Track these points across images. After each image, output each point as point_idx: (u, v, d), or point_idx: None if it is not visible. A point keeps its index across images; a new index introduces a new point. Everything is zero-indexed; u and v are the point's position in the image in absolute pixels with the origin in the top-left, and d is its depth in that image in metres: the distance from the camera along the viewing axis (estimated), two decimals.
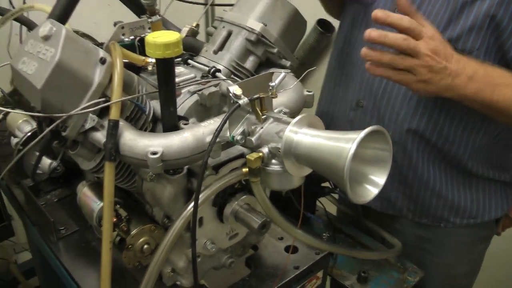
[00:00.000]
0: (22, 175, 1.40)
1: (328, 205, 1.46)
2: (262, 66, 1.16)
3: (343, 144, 0.73)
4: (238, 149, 0.99)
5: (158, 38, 0.81)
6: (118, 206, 0.99)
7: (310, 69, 1.00)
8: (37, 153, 1.31)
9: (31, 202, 1.36)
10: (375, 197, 1.34)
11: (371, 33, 0.98)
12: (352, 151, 0.71)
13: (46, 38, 0.87)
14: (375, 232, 1.41)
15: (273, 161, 0.84)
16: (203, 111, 1.01)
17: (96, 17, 1.97)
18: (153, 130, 0.98)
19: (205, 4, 1.28)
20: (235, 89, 0.83)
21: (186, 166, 0.93)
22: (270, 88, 0.87)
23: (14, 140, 1.37)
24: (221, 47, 1.13)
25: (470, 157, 1.26)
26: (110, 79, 0.89)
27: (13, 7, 2.14)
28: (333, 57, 1.44)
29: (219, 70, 1.05)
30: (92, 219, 1.01)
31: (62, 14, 1.15)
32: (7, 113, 1.46)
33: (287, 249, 1.22)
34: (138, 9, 1.23)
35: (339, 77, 1.40)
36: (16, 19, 1.65)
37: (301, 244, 1.22)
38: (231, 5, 1.26)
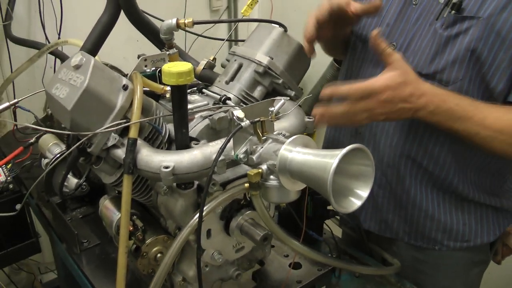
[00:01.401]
0: (51, 193, 1.53)
1: (334, 228, 1.54)
2: (268, 95, 1.28)
3: (327, 159, 0.83)
4: (244, 169, 1.10)
5: (172, 68, 0.94)
6: (135, 217, 1.10)
7: (307, 96, 1.11)
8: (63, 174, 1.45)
9: (58, 218, 1.48)
10: (373, 220, 1.44)
11: (316, 112, 1.14)
12: (334, 165, 0.81)
13: (77, 67, 1.00)
14: (376, 253, 1.49)
15: (271, 176, 0.95)
16: (213, 134, 1.12)
17: (125, 51, 2.12)
18: (168, 150, 1.10)
19: (223, 39, 1.42)
20: (238, 113, 0.94)
21: (196, 181, 1.04)
22: (270, 112, 0.98)
23: (45, 161, 1.51)
24: (232, 78, 1.26)
25: (460, 181, 1.32)
26: (131, 104, 1.02)
27: (49, 42, 2.32)
28: None
29: (229, 98, 1.17)
30: (111, 229, 1.12)
31: (92, 48, 1.30)
32: (40, 136, 1.61)
33: (291, 265, 1.31)
34: (160, 44, 1.37)
35: None
36: (51, 53, 1.82)
37: (304, 261, 1.31)
38: (242, 40, 1.40)
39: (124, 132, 1.02)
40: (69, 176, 1.46)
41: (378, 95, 1.10)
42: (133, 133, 0.97)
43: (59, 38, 2.36)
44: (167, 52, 1.14)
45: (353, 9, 1.21)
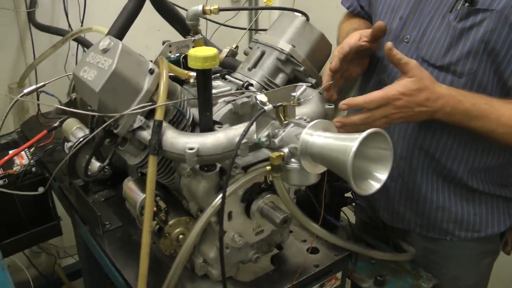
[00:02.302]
0: (74, 176, 1.57)
1: (351, 216, 1.57)
2: (290, 82, 1.30)
3: (347, 142, 0.86)
4: (264, 153, 1.12)
5: (198, 52, 0.97)
6: (158, 198, 1.13)
7: (330, 82, 1.13)
8: (88, 156, 1.48)
9: (81, 200, 1.52)
10: (386, 211, 1.47)
11: (337, 124, 1.18)
12: (354, 148, 0.84)
13: (105, 50, 1.04)
14: (392, 241, 1.51)
15: (292, 159, 0.97)
16: (236, 118, 1.15)
17: (147, 41, 2.15)
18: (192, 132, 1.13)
19: (245, 29, 1.44)
20: (262, 97, 0.97)
21: (218, 164, 1.07)
22: (292, 97, 1.01)
23: (68, 145, 1.54)
24: (255, 65, 1.28)
25: (471, 173, 1.35)
26: (157, 87, 1.04)
27: (71, 29, 2.36)
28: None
29: (251, 84, 1.20)
30: (135, 209, 1.15)
31: (118, 34, 1.33)
32: (63, 120, 1.65)
33: (309, 250, 1.33)
34: (184, 31, 1.40)
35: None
36: (75, 39, 1.85)
37: (322, 246, 1.33)
38: (264, 29, 1.42)
39: (149, 114, 1.05)
40: (92, 159, 1.49)
41: (394, 101, 1.14)
42: (159, 115, 1.00)
43: (82, 25, 2.39)
44: (193, 38, 1.16)
45: (365, 38, 1.26)
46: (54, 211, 1.68)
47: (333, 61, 1.24)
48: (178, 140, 1.00)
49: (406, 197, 1.44)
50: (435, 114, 1.17)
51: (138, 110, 1.01)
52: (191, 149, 0.97)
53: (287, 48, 1.25)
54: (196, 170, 1.07)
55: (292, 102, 1.00)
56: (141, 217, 1.16)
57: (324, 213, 1.25)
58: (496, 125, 1.18)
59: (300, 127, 0.98)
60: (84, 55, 1.10)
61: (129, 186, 1.20)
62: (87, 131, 1.51)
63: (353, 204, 1.56)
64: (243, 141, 0.96)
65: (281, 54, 1.25)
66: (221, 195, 0.99)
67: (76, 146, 1.46)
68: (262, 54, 1.28)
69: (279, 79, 1.27)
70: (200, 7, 1.13)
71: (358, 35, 1.27)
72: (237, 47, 1.46)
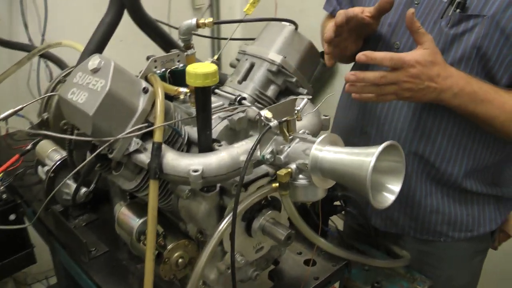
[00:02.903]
0: (52, 201, 1.48)
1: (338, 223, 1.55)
2: (281, 94, 1.27)
3: (363, 157, 0.84)
4: (262, 169, 1.09)
5: (198, 69, 0.92)
6: None
7: (330, 95, 1.11)
8: (68, 181, 1.41)
9: (62, 226, 1.44)
10: (379, 217, 1.46)
11: (350, 77, 1.16)
12: (372, 163, 0.82)
13: (95, 70, 0.98)
14: (382, 246, 1.50)
15: (300, 176, 0.94)
16: (232, 135, 1.11)
17: (108, 51, 2.08)
18: (188, 152, 1.08)
19: (225, 39, 1.40)
20: (266, 113, 0.94)
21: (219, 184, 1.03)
22: (296, 112, 0.98)
23: (45, 168, 1.46)
24: (245, 77, 1.24)
25: (465, 174, 1.36)
26: (152, 107, 0.99)
27: (32, 43, 2.25)
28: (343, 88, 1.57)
29: (244, 98, 1.16)
30: (132, 235, 1.10)
31: (96, 49, 1.27)
32: (36, 142, 1.56)
33: (305, 262, 1.31)
34: (165, 44, 1.34)
35: (347, 105, 1.53)
36: (42, 55, 1.76)
37: (318, 257, 1.32)
38: (248, 39, 1.39)
39: (145, 136, 1.00)
40: (69, 182, 1.42)
41: (408, 68, 1.12)
42: (157, 137, 0.95)
43: (43, 39, 2.30)
44: (185, 53, 1.11)
45: (368, 13, 1.23)
46: (27, 238, 1.60)
47: (338, 17, 1.21)
48: (180, 162, 0.95)
49: (400, 203, 1.43)
50: (443, 93, 1.16)
51: (136, 133, 0.96)
52: (195, 171, 0.92)
53: (278, 59, 1.22)
54: (195, 191, 1.03)
55: (295, 116, 0.97)
56: (138, 243, 1.10)
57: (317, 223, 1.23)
58: (500, 111, 1.19)
59: (307, 142, 0.95)
60: (70, 75, 1.03)
61: (123, 211, 1.14)
62: (63, 153, 1.44)
63: (343, 212, 1.55)
64: None
65: (272, 66, 1.22)
66: (227, 217, 0.95)
67: (52, 170, 1.38)
68: (252, 66, 1.25)
69: (271, 91, 1.24)
70: (194, 21, 1.08)
71: (361, 9, 1.24)
72: (218, 58, 1.42)
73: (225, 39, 1.40)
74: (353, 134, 1.48)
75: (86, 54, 1.25)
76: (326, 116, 1.17)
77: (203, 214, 1.04)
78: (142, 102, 0.99)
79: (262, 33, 1.30)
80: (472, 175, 1.37)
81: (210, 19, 1.09)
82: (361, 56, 1.13)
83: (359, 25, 1.26)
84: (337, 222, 1.56)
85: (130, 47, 2.03)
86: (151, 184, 0.94)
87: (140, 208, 1.14)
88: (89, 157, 1.00)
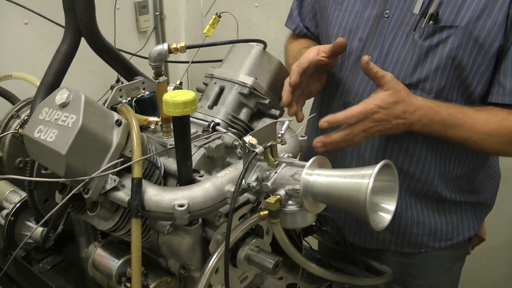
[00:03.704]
0: (13, 247, 1.38)
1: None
2: (253, 116, 1.23)
3: (359, 180, 0.82)
4: (243, 196, 1.05)
5: (176, 98, 0.87)
6: None
7: (312, 116, 1.08)
8: (29, 223, 1.32)
9: (25, 272, 1.34)
10: (358, 234, 1.45)
11: (318, 144, 1.16)
12: (370, 185, 0.80)
13: (64, 105, 0.91)
14: (361, 262, 1.49)
15: (290, 202, 0.91)
16: (209, 163, 1.06)
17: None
18: (165, 185, 1.02)
19: (186, 62, 1.35)
20: (251, 139, 0.90)
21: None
22: (279, 135, 0.94)
23: (3, 212, 1.36)
24: (216, 102, 1.20)
25: (441, 183, 1.36)
26: (126, 140, 0.93)
27: None
28: (314, 107, 1.55)
29: (218, 124, 1.11)
30: (111, 277, 1.02)
31: (54, 81, 1.20)
32: None
33: (288, 287, 1.28)
34: (125, 72, 1.28)
35: (316, 125, 1.51)
36: None
37: (300, 281, 1.28)
38: (211, 61, 1.35)
39: (120, 172, 0.94)
40: (30, 224, 1.32)
41: (372, 115, 1.13)
42: (137, 172, 0.90)
43: None
44: (156, 81, 1.06)
45: (324, 54, 1.22)
46: None
47: (292, 76, 1.19)
48: (163, 197, 0.89)
49: None
50: (413, 126, 1.17)
51: (113, 170, 0.89)
52: (181, 206, 0.87)
53: (249, 81, 1.18)
54: (176, 226, 0.98)
55: (280, 140, 0.94)
56: (118, 285, 1.03)
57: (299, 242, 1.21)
58: (471, 133, 1.20)
59: (294, 166, 0.92)
60: (34, 112, 0.96)
61: (99, 253, 1.06)
62: (23, 193, 1.34)
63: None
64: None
65: (244, 88, 1.18)
66: (218, 250, 0.90)
67: (14, 220, 1.29)
68: (222, 89, 1.21)
69: (243, 114, 1.20)
70: (165, 46, 1.02)
71: (316, 50, 1.23)
72: (181, 83, 1.37)
73: (187, 62, 1.35)
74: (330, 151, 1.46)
75: (44, 86, 1.18)
76: (303, 136, 1.15)
77: (186, 248, 0.99)
78: (116, 136, 0.93)
79: (229, 55, 1.26)
80: (449, 183, 1.38)
81: (183, 44, 1.04)
82: (323, 124, 1.13)
83: (317, 67, 1.25)
84: (311, 241, 1.54)
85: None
86: (133, 223, 0.88)
87: (117, 248, 1.07)
88: (62, 200, 0.92)
